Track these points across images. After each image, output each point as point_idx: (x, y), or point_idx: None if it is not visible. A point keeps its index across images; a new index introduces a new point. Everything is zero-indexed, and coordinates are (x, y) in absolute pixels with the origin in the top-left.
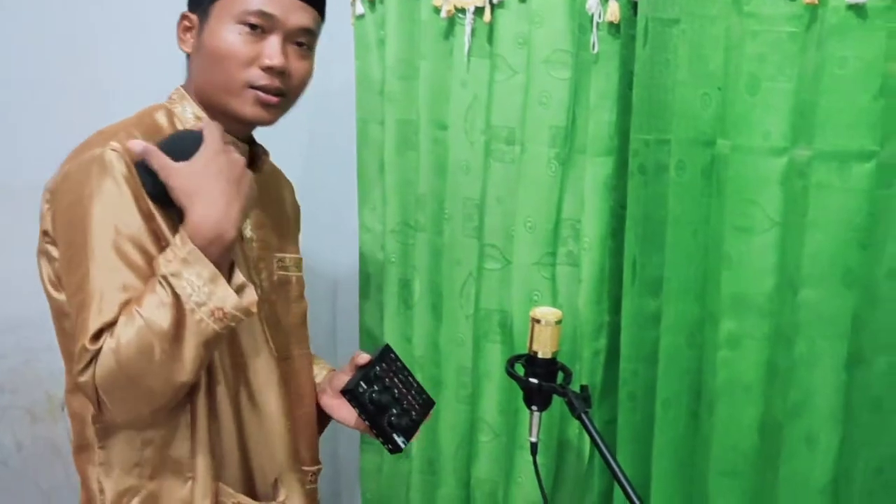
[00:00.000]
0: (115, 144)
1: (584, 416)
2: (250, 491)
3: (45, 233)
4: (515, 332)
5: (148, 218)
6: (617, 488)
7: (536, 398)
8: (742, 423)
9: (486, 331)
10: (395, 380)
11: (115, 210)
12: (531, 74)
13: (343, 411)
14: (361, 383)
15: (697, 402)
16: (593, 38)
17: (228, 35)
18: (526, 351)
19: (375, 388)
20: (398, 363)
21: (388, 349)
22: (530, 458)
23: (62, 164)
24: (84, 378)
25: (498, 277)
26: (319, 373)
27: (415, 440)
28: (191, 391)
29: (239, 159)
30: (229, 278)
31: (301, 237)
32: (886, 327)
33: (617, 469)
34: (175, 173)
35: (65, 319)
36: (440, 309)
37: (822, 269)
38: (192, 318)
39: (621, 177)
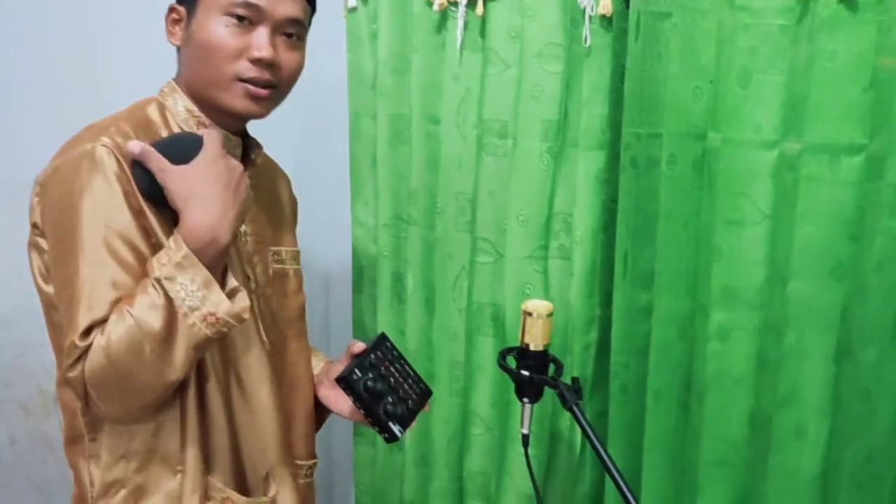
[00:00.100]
0: (105, 140)
1: (575, 407)
2: (241, 485)
3: (34, 225)
4: (508, 325)
5: (138, 214)
6: (608, 479)
7: (528, 390)
8: (732, 415)
9: (478, 324)
10: (392, 368)
11: (105, 206)
12: (523, 68)
13: (339, 402)
14: (356, 371)
15: (688, 394)
16: (585, 31)
17: (216, 27)
18: (518, 344)
19: (370, 375)
20: (394, 352)
21: (383, 338)
22: (522, 451)
23: (53, 158)
24: (73, 374)
25: (490, 271)
26: (317, 365)
27: (411, 430)
28: (180, 386)
29: (236, 166)
30: (222, 282)
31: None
32: (875, 319)
33: (608, 460)
34: (172, 176)
35: (54, 312)
36: (433, 302)
37: (811, 261)
38: (184, 322)
39: (613, 170)
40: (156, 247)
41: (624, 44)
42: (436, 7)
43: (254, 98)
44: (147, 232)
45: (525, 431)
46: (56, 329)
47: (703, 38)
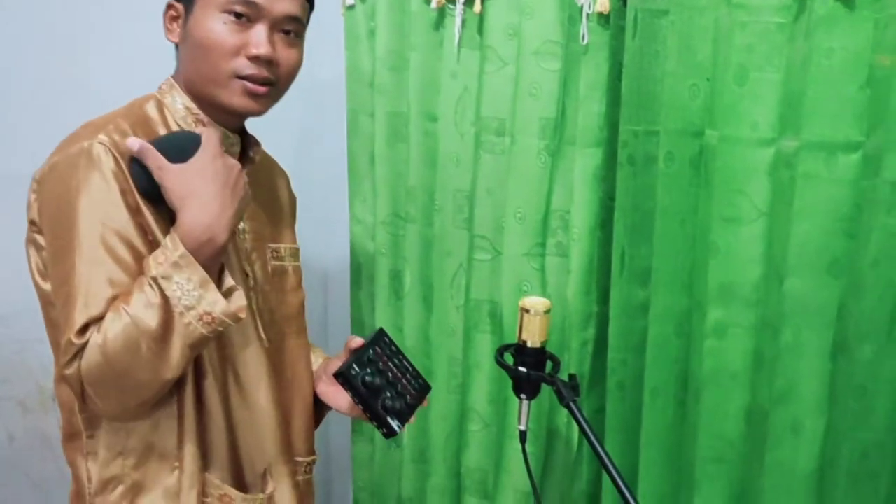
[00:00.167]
0: (103, 137)
1: (572, 404)
2: (239, 482)
3: (32, 222)
4: (505, 322)
5: (135, 212)
6: (605, 476)
7: (525, 387)
8: (729, 412)
9: (476, 321)
10: (390, 363)
11: (102, 204)
12: (521, 66)
13: (338, 397)
14: (354, 366)
15: (685, 390)
16: (583, 29)
17: (214, 24)
18: (515, 341)
19: (368, 370)
20: (393, 347)
21: (382, 333)
22: (519, 447)
23: (50, 155)
24: (69, 371)
25: (488, 268)
26: (316, 361)
27: (409, 426)
28: (177, 383)
29: (234, 164)
30: (219, 281)
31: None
32: (871, 316)
33: (604, 456)
34: (170, 174)
35: (52, 309)
36: (431, 300)
37: (808, 258)
38: (180, 321)
39: (610, 168)
40: (153, 244)
41: (621, 41)
42: (434, 5)
43: (252, 96)
44: (144, 230)
45: (522, 428)
46: (53, 326)
47: (701, 35)
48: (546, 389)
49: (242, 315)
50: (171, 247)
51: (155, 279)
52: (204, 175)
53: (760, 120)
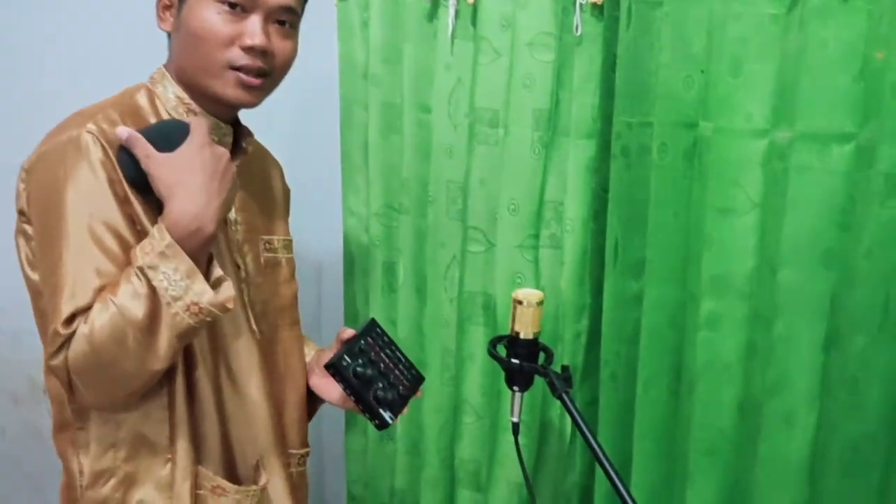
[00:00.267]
0: (91, 126)
1: (564, 395)
2: (232, 474)
3: (20, 212)
4: (499, 314)
5: (123, 202)
6: (598, 468)
7: (518, 379)
8: (722, 403)
9: (469, 313)
10: (382, 354)
11: (90, 194)
12: (515, 57)
13: (330, 389)
14: (345, 357)
15: (678, 382)
16: (577, 20)
17: (207, 14)
18: (508, 332)
19: (360, 361)
20: (385, 337)
21: (373, 323)
22: (513, 439)
23: (39, 144)
24: (56, 361)
25: (481, 260)
26: (308, 354)
27: (402, 417)
28: (168, 375)
29: (223, 153)
30: (207, 272)
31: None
32: (863, 307)
33: (597, 448)
34: (157, 163)
35: (40, 299)
36: (424, 292)
37: (801, 250)
38: (167, 311)
39: (604, 159)
40: (141, 234)
41: (615, 32)
42: None
43: (245, 87)
44: (132, 220)
45: (515, 420)
46: (42, 316)
47: (695, 26)
48: (539, 381)
49: (230, 306)
50: (158, 236)
51: (142, 269)
52: (192, 164)
53: (754, 111)
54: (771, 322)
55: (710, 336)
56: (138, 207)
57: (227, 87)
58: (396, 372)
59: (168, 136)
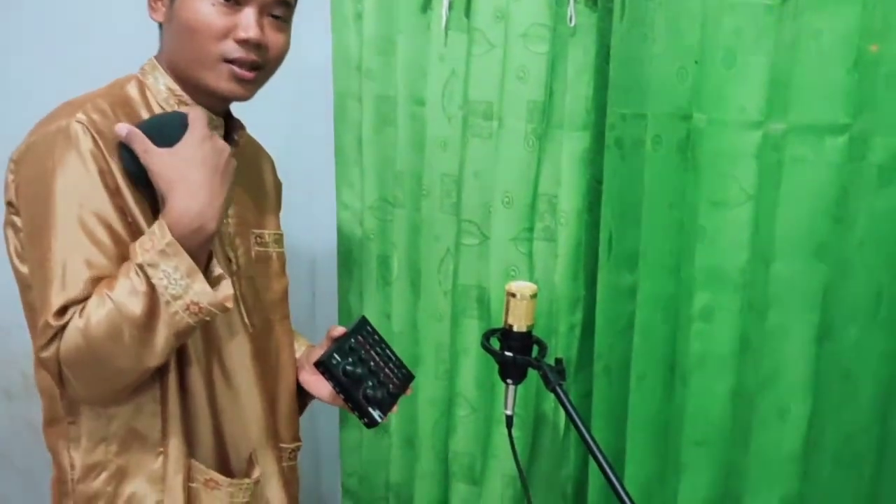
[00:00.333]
0: (81, 116)
1: (558, 388)
2: (224, 467)
3: (9, 203)
4: (493, 307)
5: (114, 194)
6: (592, 460)
7: (511, 371)
8: (715, 395)
9: (464, 307)
10: (372, 352)
11: (80, 184)
12: (509, 49)
13: (320, 386)
14: (335, 355)
15: (671, 374)
16: (570, 11)
17: (201, 6)
18: (502, 326)
19: (350, 360)
20: (375, 336)
21: (364, 321)
22: (507, 432)
23: (28, 135)
24: (47, 353)
25: (476, 253)
26: (298, 349)
27: (393, 414)
28: (160, 369)
29: (224, 147)
30: (206, 270)
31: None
32: (856, 299)
33: (590, 440)
34: (157, 158)
35: (29, 292)
36: (418, 285)
37: (794, 242)
38: (166, 310)
39: (598, 151)
40: (132, 227)
41: (609, 24)
42: None
43: (238, 80)
44: (123, 211)
45: (508, 413)
46: (31, 309)
47: (689, 17)
48: (533, 374)
49: (229, 305)
50: (159, 234)
51: (141, 266)
52: (192, 159)
53: (748, 103)
54: (764, 314)
55: (703, 328)
56: (130, 199)
57: (221, 80)
58: (387, 370)
59: (166, 128)
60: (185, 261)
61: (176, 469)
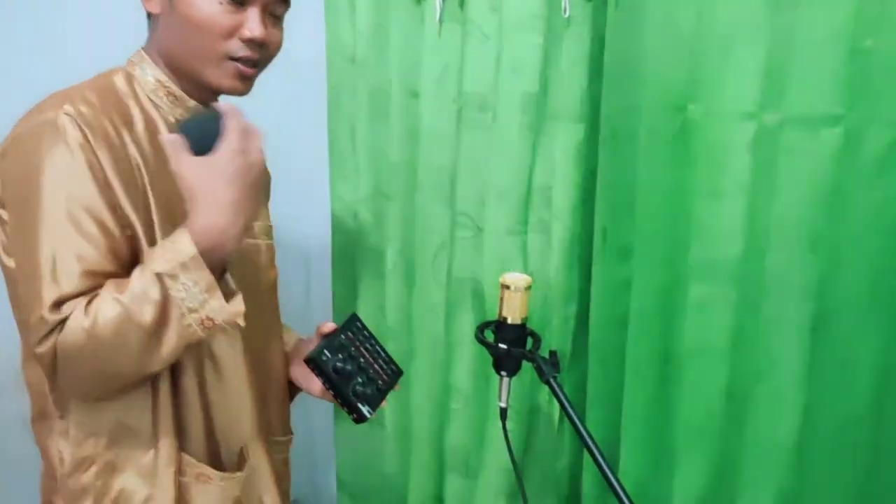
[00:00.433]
0: (69, 108)
1: (552, 380)
2: (215, 461)
3: None
4: (487, 300)
5: (103, 187)
6: (587, 452)
7: (505, 364)
8: (710, 387)
9: (458, 299)
10: (362, 349)
11: (69, 178)
12: (503, 40)
13: (310, 381)
14: (325, 352)
15: (666, 366)
16: (565, 1)
17: (207, 4)
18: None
19: (340, 356)
20: (365, 332)
21: (354, 318)
22: (501, 424)
23: (14, 127)
24: (42, 349)
25: (470, 246)
26: (287, 342)
27: (387, 407)
28: None
29: (257, 162)
30: (220, 283)
31: (272, 206)
32: (851, 290)
33: (584, 432)
34: (188, 168)
35: (16, 286)
36: (413, 278)
37: (789, 233)
38: (180, 321)
39: (592, 143)
40: (122, 220)
41: (604, 14)
42: None
43: (241, 77)
44: (113, 205)
45: (503, 405)
46: (18, 304)
47: (684, 8)
48: (528, 367)
49: (241, 322)
50: (182, 246)
51: (160, 276)
52: (224, 173)
53: (743, 94)
54: (759, 306)
55: (698, 320)
56: (120, 193)
57: (225, 78)
58: (376, 366)
59: (206, 132)
60: (207, 277)
61: (167, 463)
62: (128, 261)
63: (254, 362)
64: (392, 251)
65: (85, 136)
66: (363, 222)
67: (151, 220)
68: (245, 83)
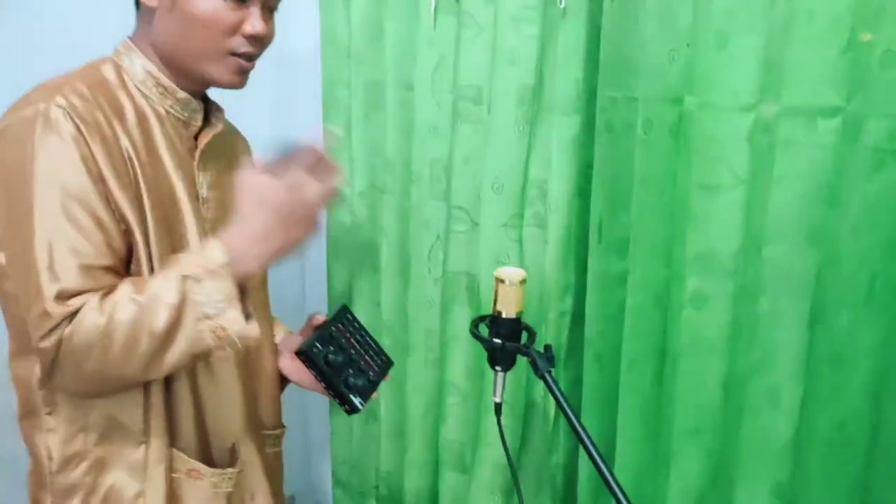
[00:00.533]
0: (60, 100)
1: (547, 375)
2: (207, 457)
3: None
4: (483, 294)
5: (97, 180)
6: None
7: (500, 358)
8: (706, 382)
9: (453, 294)
10: (352, 340)
11: (62, 170)
12: (498, 32)
13: (301, 373)
14: (316, 344)
15: (662, 361)
16: None
17: (210, 1)
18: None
19: (331, 348)
20: (355, 324)
21: (345, 309)
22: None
23: (1, 119)
24: (47, 343)
25: (465, 240)
26: (277, 335)
27: (383, 402)
28: None
29: (311, 202)
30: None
31: None
32: (849, 284)
33: (579, 428)
34: (246, 181)
35: (5, 281)
36: (408, 272)
37: (787, 226)
38: (193, 326)
39: (588, 136)
40: (115, 214)
41: (600, 5)
42: None
43: (241, 72)
44: (107, 199)
45: (497, 400)
46: (9, 299)
47: None
48: (523, 361)
49: (251, 343)
50: (214, 253)
51: (185, 278)
52: (276, 204)
53: (740, 85)
54: (756, 299)
55: (694, 314)
56: (114, 186)
57: (226, 73)
58: (367, 358)
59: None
60: (230, 287)
61: (158, 459)
62: (123, 254)
63: (245, 357)
64: (387, 245)
65: (78, 129)
66: (358, 216)
67: (144, 212)
68: (243, 77)
